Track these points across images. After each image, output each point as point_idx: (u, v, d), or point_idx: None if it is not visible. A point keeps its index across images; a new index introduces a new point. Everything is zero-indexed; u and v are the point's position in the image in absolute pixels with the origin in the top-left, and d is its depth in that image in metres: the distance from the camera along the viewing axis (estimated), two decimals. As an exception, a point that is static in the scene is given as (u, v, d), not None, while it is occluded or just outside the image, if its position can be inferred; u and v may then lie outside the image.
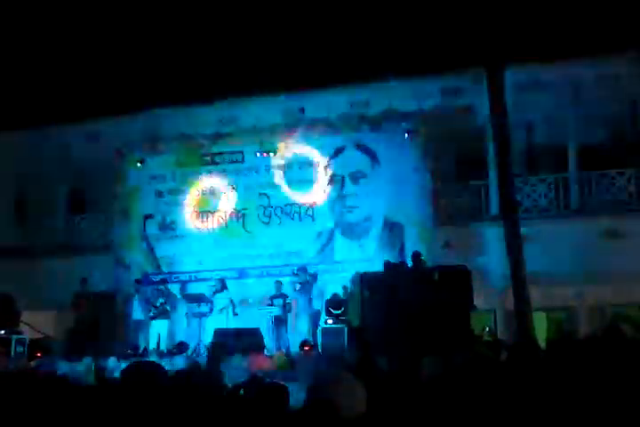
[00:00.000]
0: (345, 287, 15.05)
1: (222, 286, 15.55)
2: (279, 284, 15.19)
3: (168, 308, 15.47)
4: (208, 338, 14.42)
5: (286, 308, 14.73)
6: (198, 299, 15.42)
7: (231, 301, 15.38)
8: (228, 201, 17.39)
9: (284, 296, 14.87)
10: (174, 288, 16.43)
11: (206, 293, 15.68)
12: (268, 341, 14.41)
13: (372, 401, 2.90)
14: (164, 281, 16.50)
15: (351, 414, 2.72)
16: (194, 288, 16.41)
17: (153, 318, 15.38)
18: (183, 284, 16.73)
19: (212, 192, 17.57)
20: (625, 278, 14.29)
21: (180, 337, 15.33)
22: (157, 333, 15.24)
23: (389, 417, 3.39)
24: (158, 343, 15.05)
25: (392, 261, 14.45)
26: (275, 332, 14.63)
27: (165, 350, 14.68)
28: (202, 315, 15.15)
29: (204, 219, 17.54)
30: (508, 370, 4.53)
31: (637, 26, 14.54)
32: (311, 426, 2.77)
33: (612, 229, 15.10)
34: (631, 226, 14.91)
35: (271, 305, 14.85)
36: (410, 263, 13.92)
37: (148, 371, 3.56)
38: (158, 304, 15.42)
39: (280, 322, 14.67)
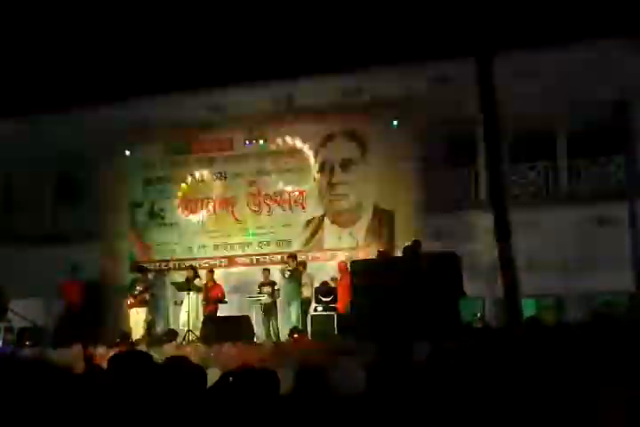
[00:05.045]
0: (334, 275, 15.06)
1: (195, 274, 15.45)
2: (267, 272, 15.20)
3: (147, 296, 15.28)
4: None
5: (275, 295, 14.73)
6: (186, 287, 15.36)
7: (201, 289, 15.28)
8: (217, 189, 17.36)
9: (273, 284, 14.87)
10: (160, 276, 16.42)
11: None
12: (258, 328, 14.43)
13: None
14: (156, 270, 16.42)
15: (348, 391, 2.73)
16: (182, 277, 16.38)
17: (131, 306, 15.24)
18: (171, 272, 16.71)
19: (201, 180, 17.53)
20: (614, 265, 14.35)
21: (167, 325, 15.33)
22: (137, 320, 15.11)
23: (384, 398, 3.39)
24: (147, 331, 15.01)
25: (381, 249, 14.46)
26: (264, 319, 14.65)
27: (149, 338, 14.63)
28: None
29: (193, 207, 17.50)
30: (497, 355, 4.54)
31: (625, 11, 14.52)
32: (302, 410, 2.76)
33: (602, 216, 15.15)
34: (620, 213, 14.96)
35: (260, 293, 14.85)
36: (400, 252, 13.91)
37: (135, 359, 3.55)
38: (137, 292, 15.24)
39: (269, 310, 14.68)
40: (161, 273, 17.09)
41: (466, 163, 16.50)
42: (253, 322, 14.39)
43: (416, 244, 13.63)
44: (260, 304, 14.80)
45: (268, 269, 15.28)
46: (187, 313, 14.68)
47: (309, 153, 16.79)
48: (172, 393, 3.52)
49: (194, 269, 15.51)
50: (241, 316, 14.53)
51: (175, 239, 17.43)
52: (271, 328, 14.57)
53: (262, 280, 15.03)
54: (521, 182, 16.20)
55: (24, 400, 3.42)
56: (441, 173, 16.45)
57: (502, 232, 12.74)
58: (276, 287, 14.78)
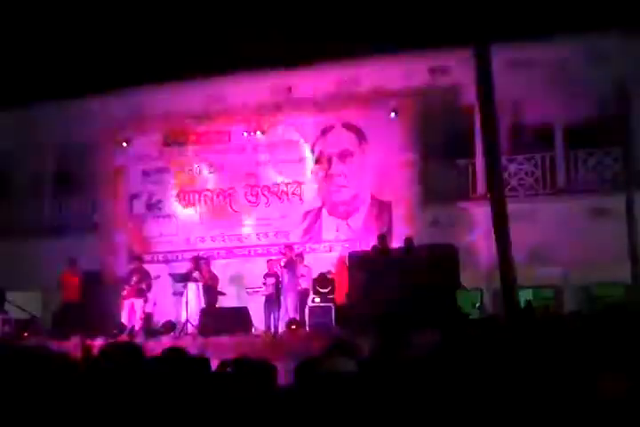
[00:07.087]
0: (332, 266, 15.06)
1: (196, 265, 15.45)
2: (271, 262, 15.16)
3: (143, 286, 15.25)
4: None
5: (279, 286, 14.67)
6: (185, 278, 15.37)
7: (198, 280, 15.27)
8: (214, 181, 17.34)
9: (277, 275, 14.82)
10: (160, 268, 16.40)
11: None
12: (258, 320, 14.41)
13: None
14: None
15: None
16: (181, 268, 16.38)
17: (126, 297, 15.21)
18: (169, 263, 16.70)
19: (199, 172, 17.51)
20: (611, 257, 14.37)
21: (164, 316, 15.33)
22: (131, 312, 15.08)
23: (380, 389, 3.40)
24: (144, 322, 15.00)
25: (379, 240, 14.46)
26: (266, 311, 14.60)
27: (143, 329, 14.63)
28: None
29: (191, 198, 17.49)
30: (494, 346, 4.55)
31: (624, 4, 14.50)
32: (300, 404, 2.77)
33: (599, 207, 15.16)
34: (617, 205, 14.95)
35: (264, 284, 14.81)
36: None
37: (124, 351, 3.55)
38: (132, 283, 15.21)
39: (272, 301, 14.62)
40: (158, 264, 17.06)
41: (464, 154, 16.48)
42: (252, 314, 14.38)
43: (409, 241, 13.68)
44: (264, 295, 14.74)
45: (272, 260, 15.23)
46: (185, 305, 14.68)
47: (307, 144, 16.77)
48: (169, 383, 3.53)
49: (197, 260, 15.54)
50: (239, 307, 14.53)
51: (173, 231, 17.42)
52: (272, 320, 14.52)
53: (267, 271, 14.97)
54: (519, 174, 16.18)
55: (26, 388, 3.43)
56: (439, 165, 16.41)
57: (499, 223, 12.76)
58: (280, 279, 14.72)
